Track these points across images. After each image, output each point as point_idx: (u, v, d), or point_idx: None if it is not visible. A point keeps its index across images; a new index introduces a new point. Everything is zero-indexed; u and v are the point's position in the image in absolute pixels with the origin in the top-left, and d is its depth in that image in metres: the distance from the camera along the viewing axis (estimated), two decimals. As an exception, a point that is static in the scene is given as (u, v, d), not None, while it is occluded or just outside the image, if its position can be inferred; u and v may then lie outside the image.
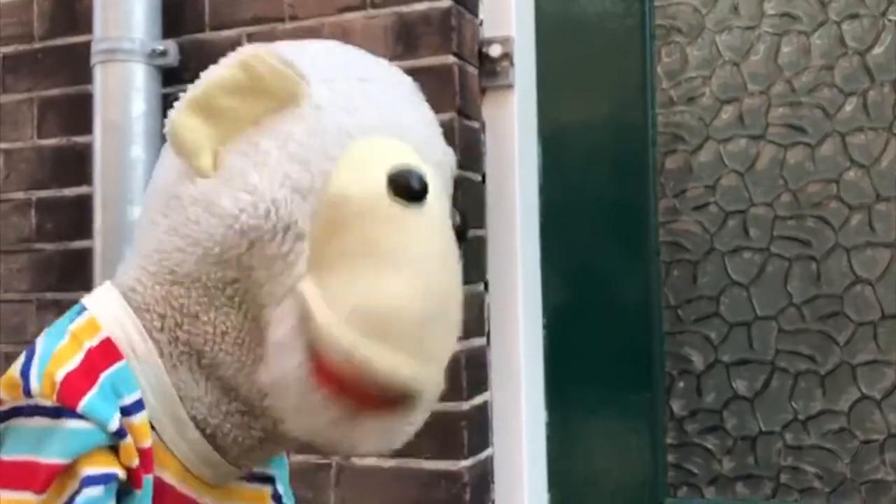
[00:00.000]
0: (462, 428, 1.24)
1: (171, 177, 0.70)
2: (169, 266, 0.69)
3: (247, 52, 0.67)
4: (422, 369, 0.66)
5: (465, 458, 1.24)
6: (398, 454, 1.23)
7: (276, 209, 0.65)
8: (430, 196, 0.67)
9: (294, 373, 0.66)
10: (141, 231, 0.73)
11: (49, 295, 1.49)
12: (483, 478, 1.31)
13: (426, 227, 0.67)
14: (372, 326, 0.64)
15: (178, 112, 0.67)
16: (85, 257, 1.43)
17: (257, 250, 0.66)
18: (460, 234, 0.72)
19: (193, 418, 0.70)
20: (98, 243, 1.38)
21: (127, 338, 0.69)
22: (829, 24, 1.34)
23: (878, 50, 1.32)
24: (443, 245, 0.69)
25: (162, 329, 0.70)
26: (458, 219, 0.72)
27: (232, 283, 0.67)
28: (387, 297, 0.65)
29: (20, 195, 1.53)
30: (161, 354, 0.70)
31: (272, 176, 0.66)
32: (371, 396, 0.65)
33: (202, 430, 0.71)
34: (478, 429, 1.30)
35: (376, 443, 0.69)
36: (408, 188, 0.66)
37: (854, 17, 1.33)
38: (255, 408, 0.70)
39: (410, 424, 0.69)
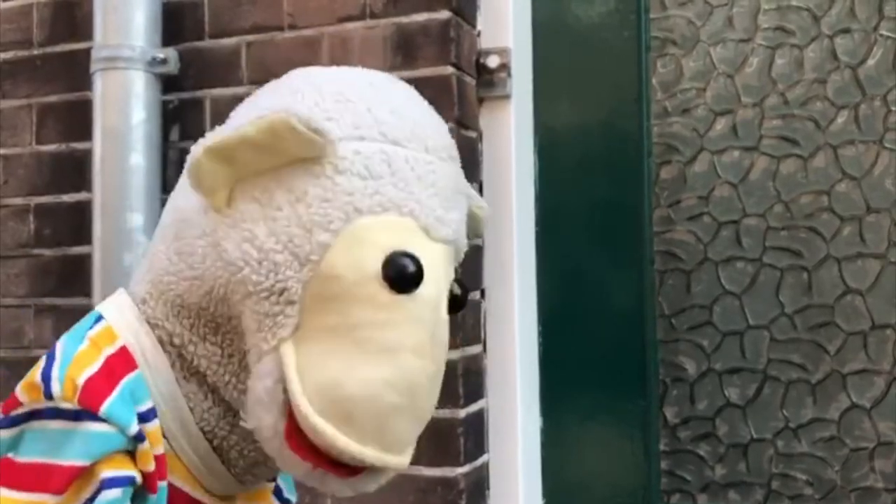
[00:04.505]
0: (458, 435, 1.25)
1: (189, 200, 0.70)
2: (177, 292, 0.71)
3: (277, 116, 0.64)
4: (385, 455, 0.66)
5: (462, 464, 1.25)
6: (395, 460, 1.24)
7: (276, 271, 0.66)
8: (424, 281, 0.67)
9: (270, 429, 0.67)
10: (154, 244, 0.74)
11: (47, 300, 1.50)
12: (479, 484, 1.32)
13: (411, 316, 0.67)
14: (335, 410, 0.64)
15: (198, 154, 0.65)
16: (83, 263, 1.44)
17: (252, 302, 0.67)
18: (459, 303, 0.73)
19: (202, 429, 0.72)
20: (97, 249, 1.39)
21: (141, 347, 0.71)
22: (822, 39, 1.36)
23: (869, 64, 1.34)
24: (424, 334, 0.67)
25: (172, 343, 0.71)
26: (457, 289, 0.72)
27: (230, 321, 0.69)
28: (353, 384, 0.65)
29: (19, 201, 1.53)
30: (172, 366, 0.71)
31: (278, 235, 0.66)
32: (340, 465, 0.66)
33: (210, 441, 0.72)
34: (474, 435, 1.31)
35: (349, 492, 0.70)
36: (400, 277, 0.66)
37: (846, 31, 1.35)
38: None
39: (380, 483, 0.70)
